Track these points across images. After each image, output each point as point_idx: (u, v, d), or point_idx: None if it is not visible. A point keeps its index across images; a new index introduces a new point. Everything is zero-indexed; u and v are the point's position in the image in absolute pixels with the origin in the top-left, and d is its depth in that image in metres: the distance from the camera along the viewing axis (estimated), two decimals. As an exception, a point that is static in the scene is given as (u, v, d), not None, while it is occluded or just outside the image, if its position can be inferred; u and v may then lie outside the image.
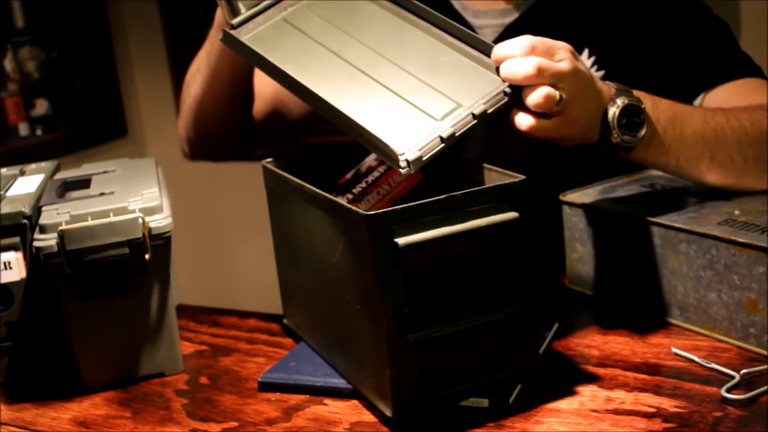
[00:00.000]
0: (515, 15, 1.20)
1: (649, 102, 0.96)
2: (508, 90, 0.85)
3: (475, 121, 0.83)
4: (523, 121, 0.85)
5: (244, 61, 1.07)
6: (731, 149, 1.02)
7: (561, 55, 0.86)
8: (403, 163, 0.79)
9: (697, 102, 1.14)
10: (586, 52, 1.17)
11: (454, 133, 0.82)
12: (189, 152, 1.35)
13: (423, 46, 0.92)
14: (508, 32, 1.19)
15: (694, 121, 1.01)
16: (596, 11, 1.18)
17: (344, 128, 0.85)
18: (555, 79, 0.84)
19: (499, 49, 0.85)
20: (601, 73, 1.16)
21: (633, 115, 0.92)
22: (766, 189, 1.05)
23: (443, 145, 0.81)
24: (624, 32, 1.17)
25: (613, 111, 0.90)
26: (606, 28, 1.17)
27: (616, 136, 0.91)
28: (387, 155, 0.81)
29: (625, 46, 1.16)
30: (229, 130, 1.27)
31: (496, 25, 1.20)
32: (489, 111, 0.84)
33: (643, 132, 0.93)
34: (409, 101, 0.86)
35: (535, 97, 0.83)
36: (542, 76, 0.83)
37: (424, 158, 0.80)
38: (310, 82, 0.87)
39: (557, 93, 0.83)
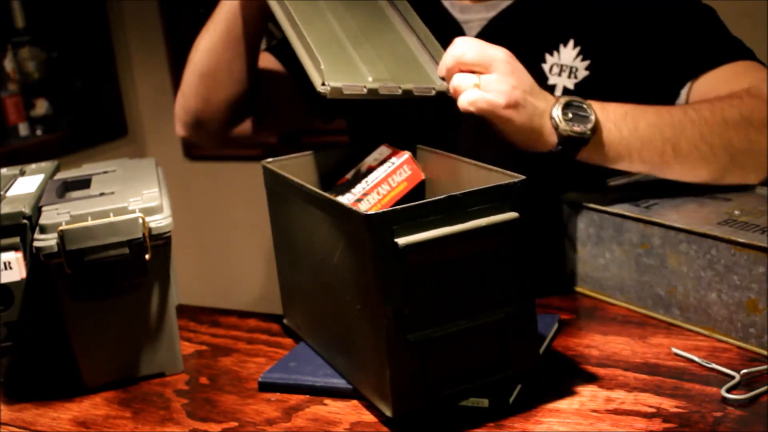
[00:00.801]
0: (499, 8, 1.20)
1: (596, 104, 1.01)
2: (440, 89, 0.99)
3: (400, 92, 0.96)
4: (465, 97, 0.96)
5: (254, 12, 1.17)
6: (694, 139, 1.02)
7: (492, 49, 0.97)
8: (325, 85, 0.92)
9: (683, 92, 1.14)
10: (571, 43, 1.17)
11: (377, 90, 0.95)
12: (185, 124, 1.33)
13: (391, 36, 1.06)
14: (492, 25, 1.20)
15: (647, 115, 1.02)
16: (580, 2, 1.19)
17: (296, 46, 0.98)
18: (475, 65, 0.96)
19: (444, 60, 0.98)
20: (587, 62, 1.16)
21: (577, 109, 0.98)
22: (755, 181, 1.05)
23: (365, 92, 0.94)
24: (609, 22, 1.17)
25: (556, 109, 0.98)
26: (590, 19, 1.18)
27: (565, 128, 0.97)
28: (315, 75, 0.93)
29: (611, 36, 1.17)
30: (231, 92, 1.26)
31: (480, 20, 1.21)
32: (415, 93, 0.98)
33: (592, 121, 0.98)
34: (357, 57, 0.99)
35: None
36: (462, 64, 0.96)
37: (344, 91, 0.92)
38: (297, 14, 1.00)
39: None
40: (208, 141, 1.38)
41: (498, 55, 0.96)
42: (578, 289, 1.09)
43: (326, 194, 0.84)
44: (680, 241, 0.94)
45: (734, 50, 1.14)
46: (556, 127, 0.98)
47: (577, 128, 0.97)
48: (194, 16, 2.59)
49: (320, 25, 1.02)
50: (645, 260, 0.99)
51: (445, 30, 1.23)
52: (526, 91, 0.96)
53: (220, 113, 1.28)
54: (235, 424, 0.85)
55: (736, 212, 0.96)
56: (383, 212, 0.75)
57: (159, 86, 2.66)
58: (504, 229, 0.78)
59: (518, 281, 0.80)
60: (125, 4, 2.65)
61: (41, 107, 2.47)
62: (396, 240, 0.75)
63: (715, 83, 1.12)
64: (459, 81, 0.96)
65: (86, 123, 2.56)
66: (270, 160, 0.99)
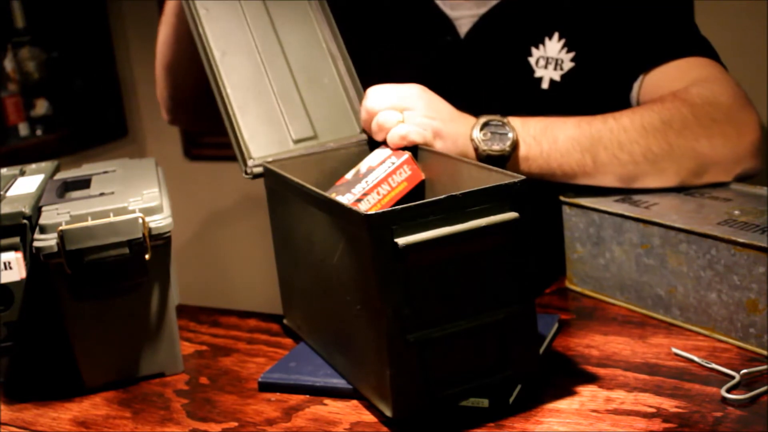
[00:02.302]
0: (490, 5, 1.21)
1: (518, 121, 1.04)
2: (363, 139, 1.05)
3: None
4: (396, 132, 1.00)
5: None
6: (612, 149, 1.04)
7: (405, 89, 1.03)
8: (248, 171, 1.00)
9: (636, 85, 1.15)
10: (556, 36, 1.18)
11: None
12: (167, 110, 1.36)
13: (323, 74, 1.10)
14: (483, 22, 1.21)
15: (566, 128, 1.05)
16: None
17: (224, 116, 1.03)
18: (393, 108, 1.01)
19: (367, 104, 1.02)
20: (572, 54, 1.17)
21: (496, 128, 1.02)
22: (676, 184, 1.06)
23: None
24: (592, 14, 1.19)
25: (475, 131, 1.02)
26: (575, 11, 1.19)
27: (484, 148, 1.02)
28: (240, 155, 1.01)
29: (594, 27, 1.18)
30: (195, 80, 1.25)
31: (471, 16, 1.22)
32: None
33: (510, 138, 1.01)
34: (283, 113, 1.05)
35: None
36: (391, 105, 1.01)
37: (263, 174, 0.99)
38: (224, 69, 1.05)
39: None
40: (197, 125, 1.39)
41: (412, 92, 1.03)
42: (578, 289, 1.09)
43: (326, 194, 0.84)
44: (680, 241, 0.94)
45: (686, 46, 1.15)
46: (476, 149, 1.02)
47: (495, 147, 1.02)
48: (194, 16, 2.58)
49: (247, 73, 1.06)
50: (645, 260, 0.99)
51: (437, 27, 1.23)
52: (444, 120, 1.02)
53: (192, 100, 1.29)
54: (235, 424, 0.85)
55: (736, 212, 0.96)
56: (383, 212, 0.75)
57: (159, 86, 2.66)
58: (504, 229, 0.78)
59: (518, 281, 0.80)
60: (125, 4, 2.65)
61: (41, 107, 2.47)
62: (396, 240, 0.74)
63: (662, 79, 1.13)
64: (384, 119, 1.00)
65: (86, 123, 2.56)
66: (270, 159, 0.99)
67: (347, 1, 1.23)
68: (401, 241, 0.74)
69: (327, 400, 0.87)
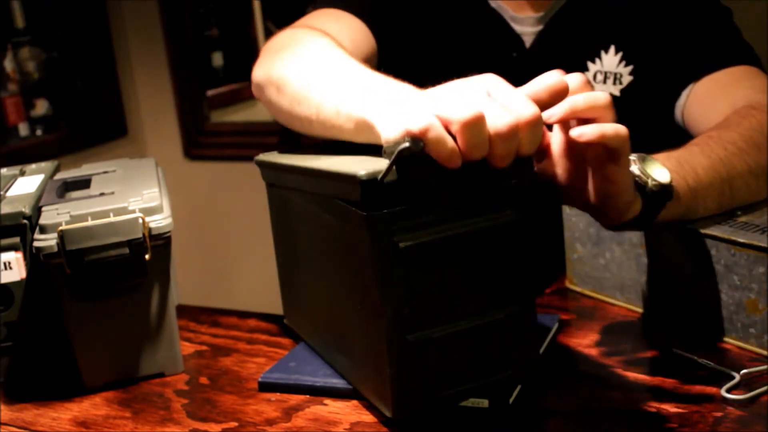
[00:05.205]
0: (546, 21, 1.21)
1: (662, 157, 0.87)
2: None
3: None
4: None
5: None
6: (743, 174, 0.95)
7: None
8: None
9: (684, 93, 1.14)
10: (612, 49, 1.17)
11: None
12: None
13: None
14: (541, 39, 1.21)
15: (698, 159, 0.92)
16: (619, 9, 1.20)
17: None
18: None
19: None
20: (630, 68, 1.16)
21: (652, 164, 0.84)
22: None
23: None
24: (645, 25, 1.18)
25: (635, 163, 0.82)
26: (629, 24, 1.19)
27: (651, 182, 0.81)
28: None
29: (649, 38, 1.18)
30: None
31: (532, 33, 1.22)
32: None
33: (669, 177, 0.83)
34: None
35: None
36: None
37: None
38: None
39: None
40: None
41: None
42: (578, 289, 1.09)
43: (326, 194, 0.84)
44: (680, 241, 0.94)
45: (735, 54, 1.15)
46: (640, 186, 0.82)
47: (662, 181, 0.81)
48: (194, 16, 2.59)
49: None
50: (645, 260, 0.99)
51: (503, 41, 1.21)
52: None
53: None
54: (235, 424, 0.85)
55: (737, 212, 0.96)
56: (383, 212, 0.75)
57: (159, 86, 2.67)
58: (504, 229, 0.78)
59: (518, 281, 0.80)
60: (125, 4, 2.65)
61: (41, 107, 2.47)
62: (396, 240, 0.74)
63: (712, 87, 1.13)
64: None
65: (86, 123, 2.56)
66: (263, 154, 0.98)
67: (411, 16, 1.22)
68: (401, 241, 0.74)
69: (327, 400, 0.87)
